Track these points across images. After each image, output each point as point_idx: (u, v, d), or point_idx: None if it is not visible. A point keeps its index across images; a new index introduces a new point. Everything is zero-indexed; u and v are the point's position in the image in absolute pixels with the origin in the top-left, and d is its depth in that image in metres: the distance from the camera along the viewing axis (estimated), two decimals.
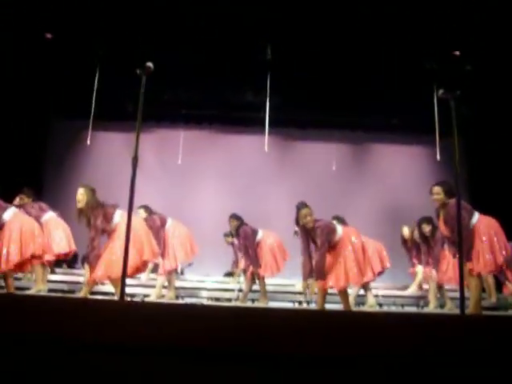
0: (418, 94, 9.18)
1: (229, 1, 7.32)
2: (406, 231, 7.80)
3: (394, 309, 7.77)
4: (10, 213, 5.72)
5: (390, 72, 8.69)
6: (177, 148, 10.58)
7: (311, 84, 9.13)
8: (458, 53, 8.33)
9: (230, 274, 9.14)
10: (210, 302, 7.51)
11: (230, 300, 7.70)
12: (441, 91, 4.49)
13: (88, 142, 8.71)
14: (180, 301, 7.57)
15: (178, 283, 8.51)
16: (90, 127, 8.77)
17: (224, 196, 9.98)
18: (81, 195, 5.41)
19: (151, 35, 8.01)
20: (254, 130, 10.27)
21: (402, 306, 7.87)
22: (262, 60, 8.65)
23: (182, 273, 9.66)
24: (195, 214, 10.70)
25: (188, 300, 7.60)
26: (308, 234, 5.56)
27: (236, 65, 8.78)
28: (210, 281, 8.80)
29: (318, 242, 5.47)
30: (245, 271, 7.48)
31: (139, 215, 6.72)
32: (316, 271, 5.41)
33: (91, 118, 8.64)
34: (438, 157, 8.79)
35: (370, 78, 8.88)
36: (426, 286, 7.68)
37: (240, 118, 10.84)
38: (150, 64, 4.01)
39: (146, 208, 7.05)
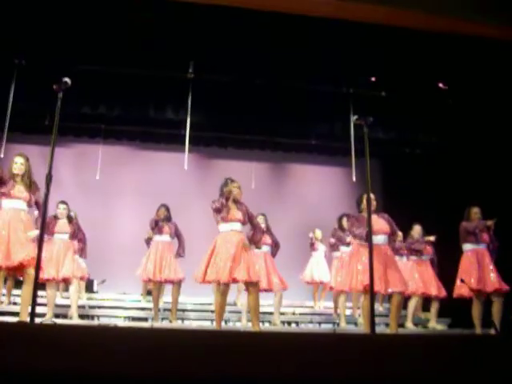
0: (337, 117, 9.55)
1: (152, 15, 7.28)
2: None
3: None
4: None
5: (310, 94, 8.94)
6: (95, 163, 10.35)
7: (232, 103, 9.23)
8: (373, 79, 8.73)
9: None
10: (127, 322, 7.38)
11: (146, 320, 7.59)
12: (355, 117, 4.77)
13: (1, 154, 8.35)
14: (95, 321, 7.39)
15: (93, 302, 8.31)
16: (5, 139, 8.43)
17: (143, 213, 9.82)
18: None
19: (72, 47, 7.83)
20: (174, 147, 10.23)
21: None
22: (184, 77, 8.65)
23: (96, 291, 9.42)
24: (113, 230, 10.51)
25: (104, 319, 7.43)
26: None
27: (158, 81, 8.73)
28: (128, 300, 8.64)
29: None
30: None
31: None
32: None
33: (5, 129, 8.29)
34: (354, 177, 9.11)
35: (290, 100, 9.09)
36: None
37: (161, 135, 10.77)
38: (66, 79, 3.95)
39: None
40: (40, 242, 3.59)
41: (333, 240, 8.22)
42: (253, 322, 5.41)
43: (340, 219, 8.14)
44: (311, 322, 8.23)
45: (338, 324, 7.85)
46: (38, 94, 8.33)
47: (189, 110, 8.82)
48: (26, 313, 4.78)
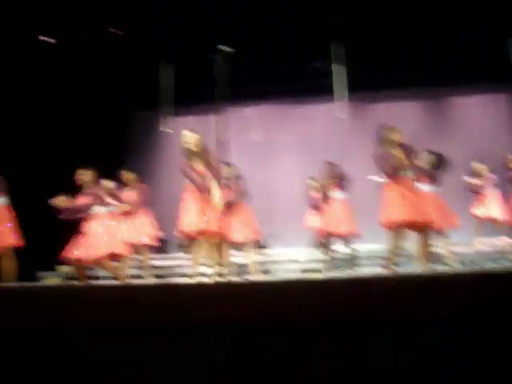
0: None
1: None
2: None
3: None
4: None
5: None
6: (254, 126, 10.65)
7: (383, 44, 8.89)
8: None
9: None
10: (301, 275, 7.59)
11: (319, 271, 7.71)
12: None
13: (164, 129, 8.93)
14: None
15: (263, 257, 8.66)
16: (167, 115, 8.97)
17: (302, 168, 9.93)
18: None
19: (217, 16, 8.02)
20: (324, 98, 10.17)
21: None
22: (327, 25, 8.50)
23: (265, 246, 9.78)
24: (278, 188, 10.80)
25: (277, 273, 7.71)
26: None
27: (301, 34, 8.66)
28: (299, 252, 8.82)
29: None
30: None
31: None
32: None
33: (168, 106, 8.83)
34: None
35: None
36: None
37: (310, 88, 10.69)
38: (227, 48, 3.89)
39: None
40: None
41: None
42: None
43: None
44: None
45: None
46: (190, 68, 8.70)
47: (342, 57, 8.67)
48: None
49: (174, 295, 2.27)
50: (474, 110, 10.95)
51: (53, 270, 8.43)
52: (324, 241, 7.69)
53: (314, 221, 8.21)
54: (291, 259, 8.36)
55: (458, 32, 8.61)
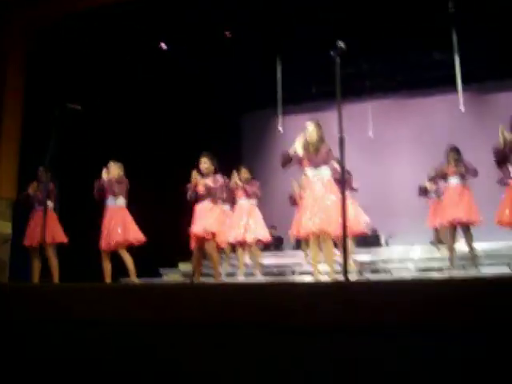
0: None
1: None
2: None
3: None
4: None
5: None
6: (366, 121, 10.45)
7: (500, 31, 8.34)
8: None
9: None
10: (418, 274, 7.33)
11: (441, 269, 7.40)
12: None
13: (279, 128, 9.02)
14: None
15: (384, 255, 8.44)
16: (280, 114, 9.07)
17: (420, 163, 9.59)
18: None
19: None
20: (443, 89, 9.76)
21: None
22: (444, 15, 8.12)
23: (386, 244, 9.59)
24: (393, 184, 10.53)
25: (396, 272, 7.50)
26: None
27: (417, 24, 8.34)
28: (418, 250, 8.52)
29: None
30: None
31: None
32: None
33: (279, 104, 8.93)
34: None
35: None
36: None
37: (427, 80, 10.33)
38: (341, 44, 3.80)
39: None
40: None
41: None
42: None
43: None
44: None
45: None
46: (301, 66, 8.71)
47: (455, 47, 8.25)
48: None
49: (290, 294, 2.27)
50: None
51: (174, 266, 8.84)
52: (443, 235, 7.36)
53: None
54: (409, 257, 8.08)
55: None
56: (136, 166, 6.93)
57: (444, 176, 6.94)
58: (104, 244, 6.14)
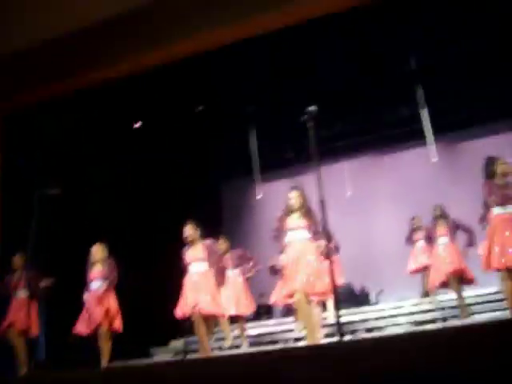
0: None
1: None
2: None
3: None
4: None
5: None
6: (342, 180, 10.60)
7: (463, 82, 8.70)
8: None
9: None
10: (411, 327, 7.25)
11: (433, 321, 7.33)
12: None
13: (258, 196, 9.09)
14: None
15: (374, 314, 8.35)
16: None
17: (401, 216, 9.68)
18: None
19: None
20: (415, 142, 10.00)
21: None
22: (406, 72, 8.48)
23: (376, 301, 9.49)
24: (375, 240, 10.55)
25: (388, 329, 7.41)
26: None
27: (383, 83, 8.66)
28: (408, 304, 8.44)
29: None
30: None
31: None
32: None
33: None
34: None
35: None
36: None
37: (398, 135, 10.56)
38: (313, 108, 3.88)
39: None
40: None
41: None
42: None
43: None
44: None
45: None
46: (273, 134, 8.90)
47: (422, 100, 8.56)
48: None
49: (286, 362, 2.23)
50: None
51: (165, 345, 8.60)
52: (433, 288, 7.36)
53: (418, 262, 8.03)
54: (399, 312, 8.00)
55: None
56: (120, 245, 6.87)
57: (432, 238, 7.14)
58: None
